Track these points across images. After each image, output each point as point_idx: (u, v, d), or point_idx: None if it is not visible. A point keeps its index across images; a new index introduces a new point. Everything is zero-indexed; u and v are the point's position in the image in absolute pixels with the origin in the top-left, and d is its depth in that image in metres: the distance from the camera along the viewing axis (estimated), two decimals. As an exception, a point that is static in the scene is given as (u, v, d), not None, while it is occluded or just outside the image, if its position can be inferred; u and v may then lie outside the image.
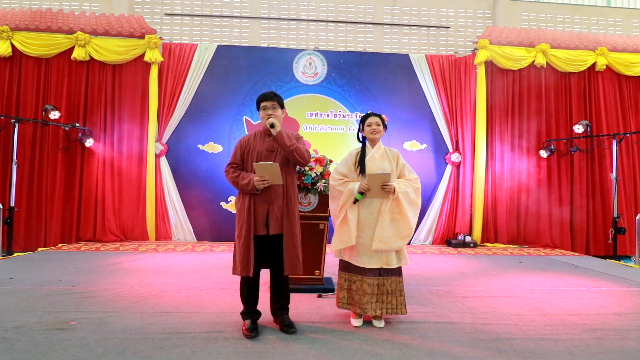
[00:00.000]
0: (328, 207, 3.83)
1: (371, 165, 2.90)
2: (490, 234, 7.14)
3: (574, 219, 7.08)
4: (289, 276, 2.88)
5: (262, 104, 2.83)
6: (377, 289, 2.83)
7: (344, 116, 7.22)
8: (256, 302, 2.83)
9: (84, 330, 2.68)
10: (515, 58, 7.14)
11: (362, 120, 3.05)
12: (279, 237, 2.74)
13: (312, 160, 3.65)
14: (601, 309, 3.37)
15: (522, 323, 2.98)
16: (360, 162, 2.92)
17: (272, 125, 2.70)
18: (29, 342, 2.48)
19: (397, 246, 2.82)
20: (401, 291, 2.89)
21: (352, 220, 2.83)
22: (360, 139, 3.09)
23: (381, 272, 2.85)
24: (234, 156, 2.86)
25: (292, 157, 2.75)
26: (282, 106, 2.87)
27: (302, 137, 2.93)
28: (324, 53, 7.28)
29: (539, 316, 3.16)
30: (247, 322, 2.72)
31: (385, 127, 3.05)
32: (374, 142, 2.99)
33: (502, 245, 6.98)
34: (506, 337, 2.71)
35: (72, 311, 3.06)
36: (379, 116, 3.02)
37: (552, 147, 7.03)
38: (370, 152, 2.96)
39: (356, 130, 3.20)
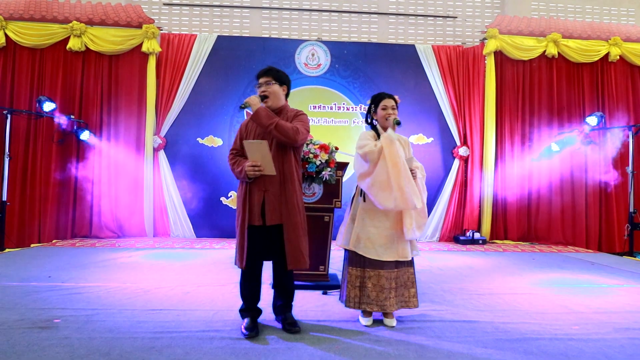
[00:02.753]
0: (333, 198, 3.62)
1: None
2: (500, 231, 6.88)
3: (588, 215, 6.80)
4: (293, 271, 2.64)
5: (258, 82, 2.60)
6: (394, 283, 2.61)
7: (347, 109, 6.96)
8: (256, 298, 2.60)
9: (68, 329, 2.45)
10: (526, 48, 6.88)
11: (375, 101, 2.77)
12: (278, 228, 2.49)
13: (316, 147, 3.40)
14: (628, 307, 3.13)
15: (546, 322, 2.74)
16: None
17: (244, 106, 2.46)
18: (6, 342, 2.25)
19: (419, 234, 2.67)
20: (413, 282, 2.71)
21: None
22: (370, 122, 2.85)
23: (397, 264, 2.64)
24: (235, 142, 2.68)
25: (275, 137, 2.43)
26: (281, 82, 2.59)
27: (303, 113, 2.60)
28: (327, 44, 7.03)
29: (564, 314, 2.91)
30: (246, 320, 2.49)
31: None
32: (386, 127, 2.71)
33: (512, 242, 6.71)
34: (531, 336, 2.47)
35: (58, 308, 2.83)
36: (394, 98, 2.76)
37: (565, 139, 6.76)
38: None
39: (360, 123, 2.94)
